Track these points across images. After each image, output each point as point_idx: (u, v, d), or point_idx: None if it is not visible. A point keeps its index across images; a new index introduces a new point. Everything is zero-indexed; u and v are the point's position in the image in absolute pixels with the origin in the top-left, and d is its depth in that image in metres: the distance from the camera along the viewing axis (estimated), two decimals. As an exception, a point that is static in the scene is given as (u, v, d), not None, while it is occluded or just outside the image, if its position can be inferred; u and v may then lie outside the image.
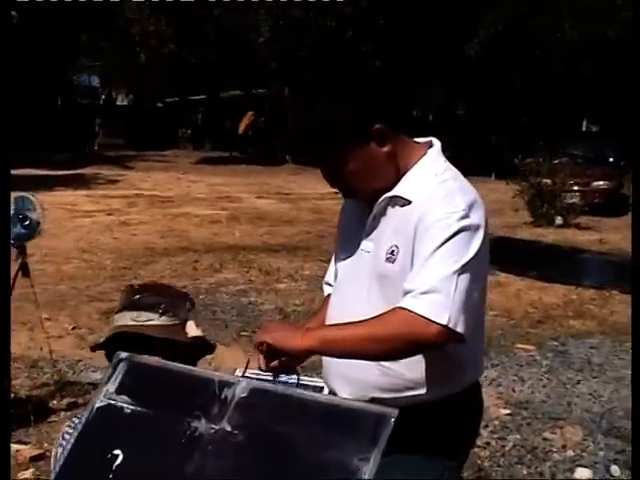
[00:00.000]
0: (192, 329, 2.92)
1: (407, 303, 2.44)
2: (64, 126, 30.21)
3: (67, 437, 2.76)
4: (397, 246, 2.59)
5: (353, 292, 2.74)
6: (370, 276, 2.67)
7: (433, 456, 2.70)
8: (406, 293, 2.47)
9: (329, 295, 2.95)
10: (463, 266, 2.46)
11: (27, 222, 5.50)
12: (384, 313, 2.51)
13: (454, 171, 2.70)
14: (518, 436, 5.80)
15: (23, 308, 8.76)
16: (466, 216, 2.51)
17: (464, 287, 2.46)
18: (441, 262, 2.46)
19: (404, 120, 2.79)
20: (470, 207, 2.54)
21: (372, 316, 2.53)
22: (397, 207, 2.65)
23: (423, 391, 2.65)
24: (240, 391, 2.41)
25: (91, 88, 49.94)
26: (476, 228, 2.53)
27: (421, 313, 2.41)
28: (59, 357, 7.18)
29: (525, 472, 5.25)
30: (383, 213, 2.68)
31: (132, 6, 29.64)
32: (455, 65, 31.03)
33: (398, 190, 2.64)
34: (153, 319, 2.86)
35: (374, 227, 2.70)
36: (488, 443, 5.63)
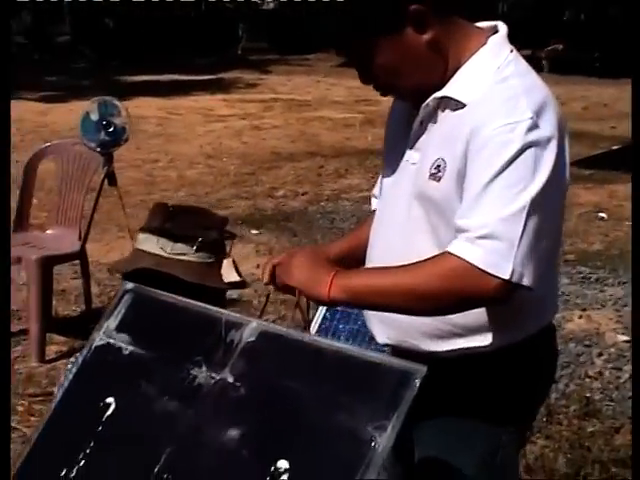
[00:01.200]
0: (229, 271, 2.48)
1: (460, 249, 1.95)
2: (207, 30, 29.99)
3: (69, 376, 2.40)
4: (444, 160, 2.07)
5: (391, 214, 2.26)
6: (412, 193, 2.17)
7: (488, 420, 2.22)
8: (458, 232, 1.98)
9: (372, 213, 2.48)
10: (532, 199, 1.93)
11: (111, 129, 5.17)
12: (431, 258, 2.02)
13: (522, 65, 2.14)
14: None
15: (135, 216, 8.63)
16: (534, 126, 1.97)
17: (534, 227, 1.94)
18: (503, 195, 1.94)
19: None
20: (539, 112, 2.00)
21: (414, 261, 2.04)
22: (448, 111, 2.12)
23: (478, 340, 2.16)
24: (248, 334, 2.01)
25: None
26: (547, 141, 1.98)
27: (477, 264, 1.92)
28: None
29: (641, 408, 4.68)
30: (431, 118, 2.16)
31: None
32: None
33: (448, 89, 2.11)
34: (187, 254, 2.44)
35: (421, 134, 2.19)
36: (601, 373, 5.10)
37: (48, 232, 6.01)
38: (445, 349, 2.18)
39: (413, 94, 2.18)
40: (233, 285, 2.25)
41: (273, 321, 4.87)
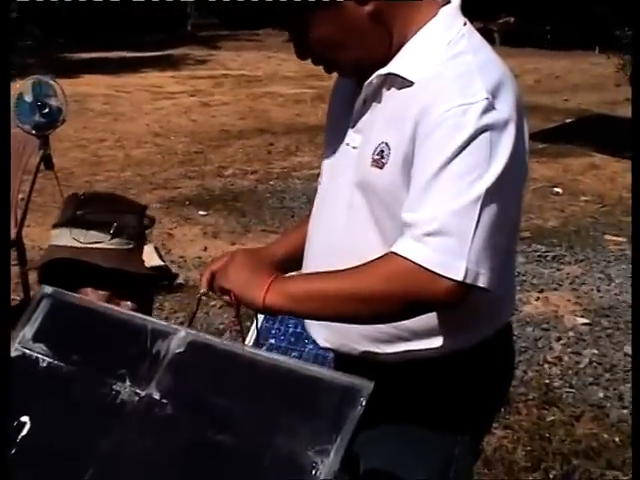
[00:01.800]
0: (151, 255, 2.28)
1: (406, 248, 1.73)
2: (156, 7, 29.60)
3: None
4: (388, 145, 1.85)
5: (331, 205, 2.04)
6: (353, 182, 1.95)
7: (441, 429, 2.01)
8: (405, 227, 1.76)
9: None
10: (488, 189, 1.71)
11: (46, 110, 4.92)
12: (375, 260, 1.79)
13: (476, 39, 1.91)
14: (595, 351, 5.04)
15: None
16: (489, 108, 1.75)
17: (490, 220, 1.72)
18: (454, 185, 1.72)
19: None
20: (495, 92, 1.77)
21: (358, 260, 1.82)
22: (394, 89, 1.89)
23: (426, 343, 1.94)
24: (176, 345, 1.81)
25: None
26: (504, 123, 1.76)
27: (426, 265, 1.70)
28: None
29: (602, 395, 4.51)
30: (375, 97, 1.93)
31: None
32: None
33: (394, 66, 1.89)
34: (102, 241, 2.23)
35: (363, 114, 1.96)
36: (559, 359, 4.92)
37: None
38: (389, 352, 1.97)
39: (354, 70, 1.97)
40: (156, 270, 2.06)
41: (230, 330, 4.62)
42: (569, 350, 5.06)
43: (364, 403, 1.54)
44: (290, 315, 2.15)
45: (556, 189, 8.87)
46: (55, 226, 2.34)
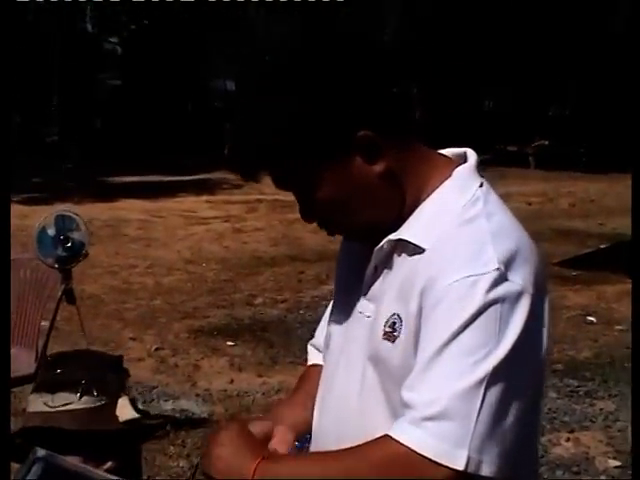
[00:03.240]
0: (125, 410, 2.19)
1: (402, 432, 1.58)
2: (194, 131, 30.12)
3: None
4: (399, 316, 1.71)
5: (344, 378, 1.88)
6: (366, 354, 1.80)
7: None
8: (404, 407, 1.61)
9: (311, 366, 2.14)
10: (495, 368, 1.57)
11: (69, 244, 4.91)
12: (370, 442, 1.65)
13: (492, 203, 1.77)
14: (629, 496, 4.85)
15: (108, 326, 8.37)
16: (500, 279, 1.61)
17: (495, 402, 1.57)
18: (458, 364, 1.58)
19: (411, 120, 1.91)
20: (508, 262, 1.63)
21: (351, 446, 1.67)
22: (405, 255, 1.75)
23: None
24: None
25: (227, 92, 50.03)
26: (517, 296, 1.61)
27: (424, 453, 1.54)
28: (133, 383, 6.59)
29: None
30: (387, 263, 1.79)
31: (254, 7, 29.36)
32: (594, 47, 29.36)
33: (405, 231, 1.76)
34: (71, 402, 2.16)
35: (375, 282, 1.83)
36: (591, 504, 4.77)
37: (4, 353, 5.71)
38: None
39: (363, 235, 1.84)
40: (130, 424, 1.98)
41: None
42: (601, 495, 4.88)
43: None
44: None
45: (590, 317, 8.74)
46: (31, 392, 2.29)
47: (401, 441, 1.57)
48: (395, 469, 1.58)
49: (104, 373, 2.24)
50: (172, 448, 5.55)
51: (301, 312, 9.11)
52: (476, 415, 1.55)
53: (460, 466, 1.54)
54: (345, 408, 1.86)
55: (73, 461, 1.97)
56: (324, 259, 11.53)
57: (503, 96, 33.47)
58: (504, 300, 1.61)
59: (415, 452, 1.55)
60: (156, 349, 7.75)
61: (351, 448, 1.66)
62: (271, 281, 10.63)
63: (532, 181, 21.51)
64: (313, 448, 1.97)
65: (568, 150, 24.94)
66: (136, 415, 2.02)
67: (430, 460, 1.54)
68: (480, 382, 1.56)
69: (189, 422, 5.95)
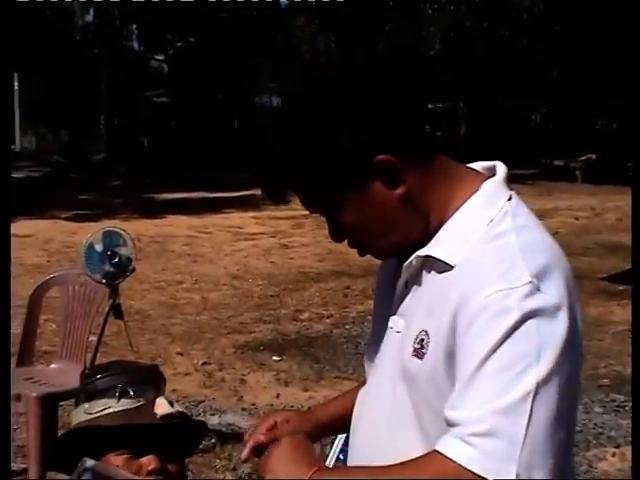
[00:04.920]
0: (162, 407, 2.20)
1: (451, 449, 1.58)
2: (240, 147, 30.28)
3: None
4: (427, 333, 1.72)
5: (375, 392, 1.92)
6: (396, 370, 1.81)
7: None
8: (449, 425, 1.62)
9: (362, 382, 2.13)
10: (539, 382, 1.56)
11: (116, 259, 4.96)
12: (418, 459, 1.65)
13: (521, 217, 1.76)
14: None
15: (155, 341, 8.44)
16: (534, 292, 1.60)
17: (544, 418, 1.56)
18: (500, 378, 1.57)
19: (433, 137, 1.88)
20: (540, 276, 1.62)
21: (396, 456, 1.69)
22: (434, 272, 1.76)
23: None
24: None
25: (272, 109, 50.34)
26: (554, 310, 1.60)
27: (474, 470, 1.54)
28: (180, 397, 6.64)
29: None
30: (416, 279, 1.80)
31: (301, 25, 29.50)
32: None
33: (433, 248, 1.76)
34: (110, 406, 2.19)
35: (405, 297, 1.84)
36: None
37: (52, 366, 5.78)
38: None
39: (391, 254, 1.87)
40: (168, 418, 1.99)
41: None
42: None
43: None
44: None
45: (638, 333, 8.65)
46: (74, 408, 2.32)
47: (451, 457, 1.57)
48: None
49: (140, 377, 2.26)
50: (218, 461, 5.59)
51: (347, 327, 9.12)
52: (524, 431, 1.55)
53: None
54: (376, 422, 1.88)
55: (121, 471, 2.00)
56: (370, 274, 11.50)
57: (550, 111, 33.33)
58: (540, 312, 1.60)
59: (464, 468, 1.55)
60: (203, 364, 7.78)
61: (402, 463, 1.66)
62: (317, 296, 10.66)
63: (579, 195, 21.39)
64: (349, 461, 2.01)
65: (615, 164, 24.71)
66: (172, 410, 2.02)
67: (479, 476, 1.54)
68: (525, 397, 1.56)
69: (235, 436, 5.97)
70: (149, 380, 2.27)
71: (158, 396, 2.21)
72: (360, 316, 9.52)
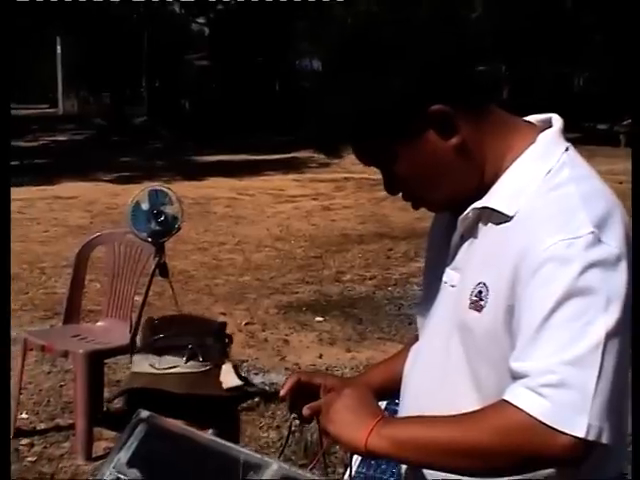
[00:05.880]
0: (229, 376, 2.21)
1: (522, 400, 1.56)
2: (281, 110, 30.23)
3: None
4: (485, 285, 1.71)
5: (428, 346, 1.91)
6: (451, 324, 1.80)
7: None
8: (516, 377, 1.60)
9: (413, 337, 2.11)
10: (608, 333, 1.55)
11: (162, 218, 4.96)
12: (487, 409, 1.64)
13: (579, 167, 1.75)
14: None
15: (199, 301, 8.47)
16: (596, 242, 1.58)
17: (612, 369, 1.55)
18: (569, 329, 1.55)
19: (489, 91, 1.90)
20: (601, 225, 1.61)
21: (465, 412, 1.67)
22: (491, 224, 1.75)
23: None
24: (267, 478, 1.74)
25: (313, 72, 50.11)
26: (616, 259, 1.59)
27: (545, 420, 1.53)
28: (224, 357, 6.66)
29: None
30: (472, 232, 1.79)
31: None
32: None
33: (490, 199, 1.75)
34: (177, 365, 2.19)
35: (460, 251, 1.82)
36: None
37: (99, 324, 5.83)
38: None
39: (446, 206, 1.85)
40: (234, 390, 2.00)
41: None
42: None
43: None
44: (390, 460, 2.03)
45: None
46: (136, 352, 2.32)
47: (521, 407, 1.56)
48: (515, 435, 1.57)
49: (209, 338, 2.27)
50: (262, 420, 5.61)
51: (389, 289, 9.10)
52: (595, 382, 1.54)
53: (581, 434, 1.53)
54: (430, 377, 1.87)
55: (178, 423, 2.00)
56: (412, 237, 11.50)
57: (594, 74, 32.93)
58: (603, 263, 1.59)
59: (535, 418, 1.54)
60: (246, 324, 7.81)
61: (468, 413, 1.66)
62: (359, 258, 10.62)
63: (622, 160, 21.18)
64: (401, 411, 2.00)
65: (660, 128, 24.38)
66: (239, 382, 2.02)
67: (550, 427, 1.53)
68: (595, 348, 1.55)
69: (278, 395, 5.99)
70: (218, 342, 2.28)
71: (225, 359, 2.22)
72: (403, 278, 9.50)
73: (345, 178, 18.24)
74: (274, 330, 7.68)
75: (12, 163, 19.53)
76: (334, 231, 12.49)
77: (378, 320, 7.95)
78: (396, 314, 8.10)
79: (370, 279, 9.57)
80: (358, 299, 8.76)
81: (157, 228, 4.98)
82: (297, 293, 9.00)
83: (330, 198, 15.87)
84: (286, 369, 6.58)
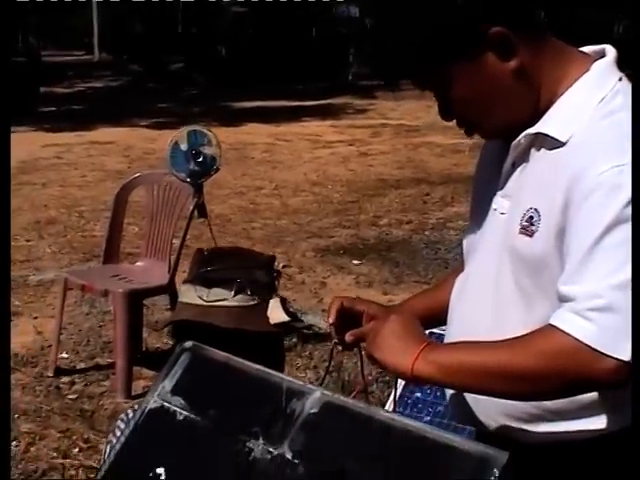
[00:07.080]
0: (276, 312, 2.22)
1: (568, 324, 1.59)
2: (318, 56, 30.05)
3: (118, 434, 2.19)
4: (537, 211, 1.73)
5: (477, 273, 1.92)
6: (501, 250, 1.82)
7: None
8: (563, 300, 1.63)
9: (457, 269, 2.13)
10: None
11: (201, 158, 4.99)
12: (533, 333, 1.66)
13: (631, 95, 1.76)
14: None
15: (236, 244, 8.49)
16: None
17: None
18: (616, 254, 1.58)
19: (551, 16, 1.92)
20: None
21: (503, 333, 1.71)
22: (544, 150, 1.77)
23: (571, 425, 1.79)
24: (310, 405, 1.76)
25: (350, 19, 49.69)
26: None
27: (591, 344, 1.56)
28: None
29: None
30: (524, 158, 1.81)
31: None
32: None
33: (544, 125, 1.76)
34: (225, 298, 2.20)
35: (511, 178, 1.84)
36: None
37: (138, 264, 5.87)
38: (532, 431, 1.83)
39: (500, 131, 1.86)
40: (280, 326, 2.01)
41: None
42: None
43: (497, 475, 1.46)
44: (437, 385, 2.05)
45: None
46: (184, 282, 2.34)
47: (567, 331, 1.59)
48: (561, 358, 1.60)
49: (258, 272, 2.28)
50: (299, 360, 5.66)
51: (426, 233, 9.09)
52: None
53: (626, 357, 1.55)
54: (479, 302, 1.89)
55: (222, 352, 2.01)
56: (449, 182, 11.47)
57: (632, 22, 32.42)
58: None
59: (581, 342, 1.57)
60: (284, 267, 7.81)
61: (514, 338, 1.67)
62: (396, 203, 10.59)
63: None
64: (447, 337, 2.02)
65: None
66: (287, 318, 2.04)
67: (596, 350, 1.56)
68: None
69: (315, 336, 6.04)
70: (266, 276, 2.29)
71: (273, 294, 2.23)
72: (439, 223, 9.49)
73: (382, 124, 18.14)
74: (311, 273, 7.71)
75: (48, 109, 19.56)
76: (371, 176, 12.44)
77: (415, 264, 7.95)
78: (433, 258, 8.10)
79: (407, 223, 9.55)
80: (395, 243, 8.76)
81: (196, 168, 5.01)
82: (334, 237, 9.00)
83: (367, 144, 15.78)
84: (323, 311, 6.61)
